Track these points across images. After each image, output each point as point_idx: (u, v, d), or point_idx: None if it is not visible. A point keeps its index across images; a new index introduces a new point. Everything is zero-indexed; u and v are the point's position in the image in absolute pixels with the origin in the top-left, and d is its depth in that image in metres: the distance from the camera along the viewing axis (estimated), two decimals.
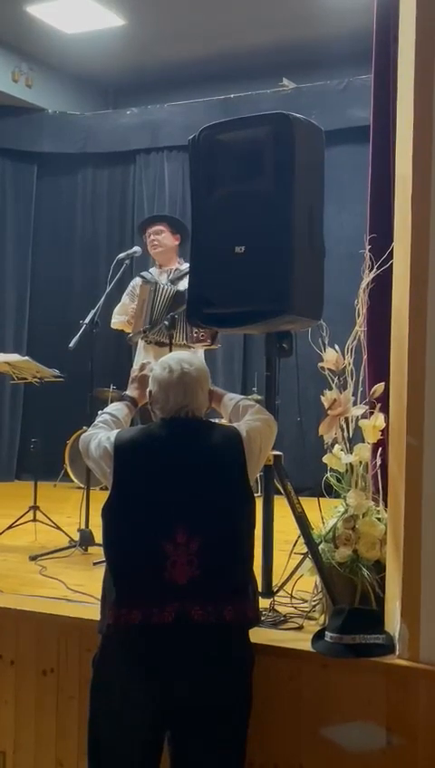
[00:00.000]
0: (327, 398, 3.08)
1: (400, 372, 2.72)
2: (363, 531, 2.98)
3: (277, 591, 3.14)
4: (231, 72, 7.93)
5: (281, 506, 3.10)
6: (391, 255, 2.92)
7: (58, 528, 4.66)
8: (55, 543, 4.46)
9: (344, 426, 3.10)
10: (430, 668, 2.58)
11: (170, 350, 4.30)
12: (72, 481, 7.23)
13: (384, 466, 2.99)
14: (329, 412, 3.08)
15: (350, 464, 3.07)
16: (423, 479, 2.62)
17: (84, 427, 3.23)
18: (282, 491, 3.07)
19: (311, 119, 3.00)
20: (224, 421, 2.96)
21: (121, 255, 4.99)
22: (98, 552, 4.08)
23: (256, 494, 2.68)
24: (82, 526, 4.48)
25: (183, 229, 5.15)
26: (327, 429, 3.09)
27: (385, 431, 3.01)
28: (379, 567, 2.93)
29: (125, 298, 5.13)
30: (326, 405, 3.08)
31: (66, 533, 4.55)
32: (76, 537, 4.44)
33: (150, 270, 5.33)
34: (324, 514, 3.10)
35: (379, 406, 3.04)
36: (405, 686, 2.60)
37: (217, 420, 2.92)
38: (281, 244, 2.88)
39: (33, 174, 8.64)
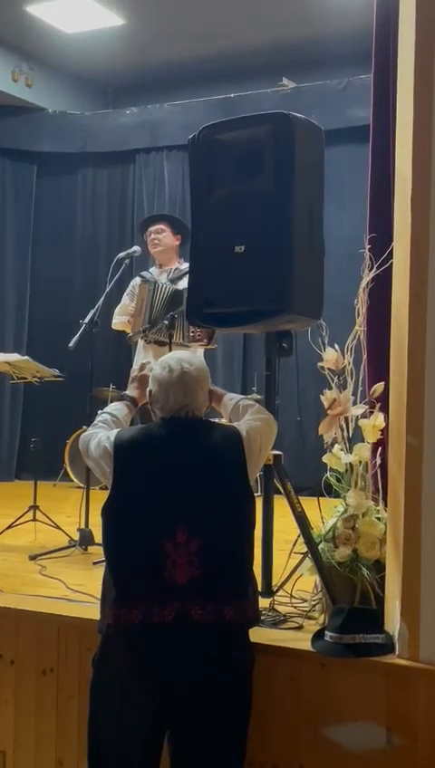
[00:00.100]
0: (327, 397, 3.08)
1: (399, 372, 2.72)
2: (363, 530, 2.98)
3: (277, 591, 3.14)
4: (231, 72, 7.92)
5: (281, 506, 3.10)
6: (390, 255, 2.92)
7: (58, 528, 4.66)
8: (55, 543, 4.46)
9: (344, 425, 3.10)
10: (429, 668, 2.58)
11: (170, 350, 4.30)
12: (72, 480, 7.23)
13: (384, 466, 2.99)
14: (329, 412, 3.07)
15: (350, 463, 3.07)
16: (423, 479, 2.62)
17: (84, 427, 3.23)
18: (282, 490, 3.07)
19: (311, 118, 3.00)
20: (224, 421, 2.96)
21: (121, 255, 4.99)
22: (98, 552, 4.08)
23: (255, 494, 2.68)
24: (82, 526, 4.48)
25: (184, 230, 5.15)
26: (327, 429, 3.09)
27: (385, 431, 3.01)
28: (378, 566, 2.93)
29: (125, 298, 5.14)
30: (326, 404, 3.08)
31: (66, 533, 4.55)
32: (76, 537, 4.44)
33: (150, 270, 5.33)
34: (324, 514, 3.10)
35: (379, 405, 3.04)
36: (405, 685, 2.60)
37: (217, 420, 2.92)
38: (281, 243, 2.88)
39: (32, 173, 8.64)
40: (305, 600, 3.18)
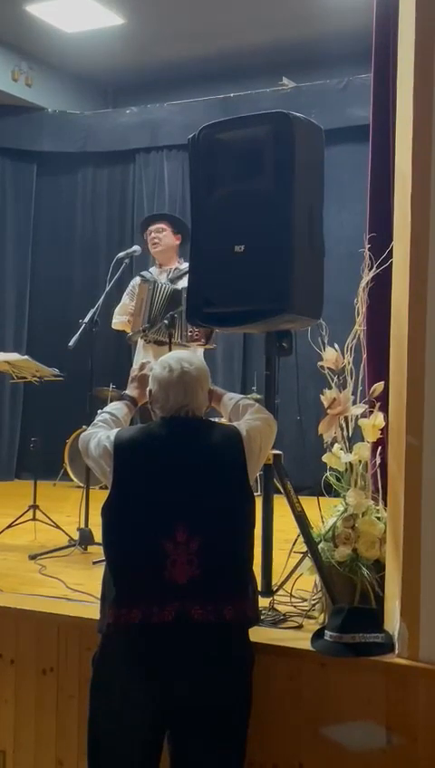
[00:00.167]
0: (327, 397, 3.08)
1: (399, 371, 2.72)
2: (363, 530, 2.98)
3: (277, 590, 3.14)
4: (231, 72, 7.92)
5: (281, 505, 3.10)
6: (390, 254, 2.92)
7: (58, 527, 4.66)
8: (55, 542, 4.46)
9: (344, 425, 3.10)
10: (429, 667, 2.58)
11: (170, 349, 4.30)
12: (72, 480, 7.23)
13: (384, 465, 2.99)
14: (328, 411, 3.07)
15: (349, 463, 3.07)
16: (423, 478, 2.62)
17: (84, 427, 3.23)
18: (281, 490, 3.07)
19: (311, 118, 3.00)
20: (224, 420, 2.96)
21: (121, 254, 4.99)
22: (97, 551, 4.08)
23: (255, 494, 2.68)
24: (82, 525, 4.48)
25: (184, 229, 5.15)
26: (327, 428, 3.09)
27: (385, 430, 3.01)
28: (378, 566, 2.93)
29: (125, 298, 5.13)
30: (326, 404, 3.08)
31: (66, 532, 4.55)
32: (76, 536, 4.44)
33: (150, 269, 5.33)
34: (324, 513, 3.10)
35: (378, 405, 3.04)
36: (405, 685, 2.60)
37: (217, 419, 2.92)
38: (281, 243, 2.88)
39: (32, 173, 8.64)
40: (305, 600, 3.18)
